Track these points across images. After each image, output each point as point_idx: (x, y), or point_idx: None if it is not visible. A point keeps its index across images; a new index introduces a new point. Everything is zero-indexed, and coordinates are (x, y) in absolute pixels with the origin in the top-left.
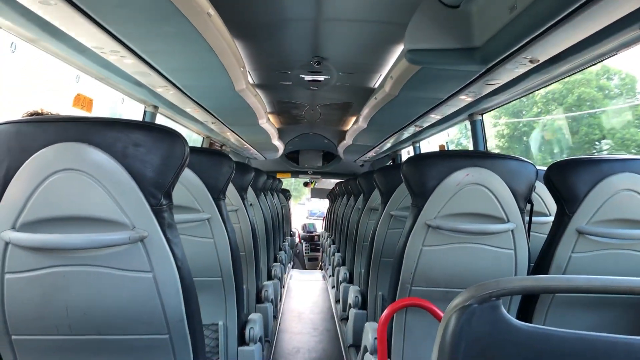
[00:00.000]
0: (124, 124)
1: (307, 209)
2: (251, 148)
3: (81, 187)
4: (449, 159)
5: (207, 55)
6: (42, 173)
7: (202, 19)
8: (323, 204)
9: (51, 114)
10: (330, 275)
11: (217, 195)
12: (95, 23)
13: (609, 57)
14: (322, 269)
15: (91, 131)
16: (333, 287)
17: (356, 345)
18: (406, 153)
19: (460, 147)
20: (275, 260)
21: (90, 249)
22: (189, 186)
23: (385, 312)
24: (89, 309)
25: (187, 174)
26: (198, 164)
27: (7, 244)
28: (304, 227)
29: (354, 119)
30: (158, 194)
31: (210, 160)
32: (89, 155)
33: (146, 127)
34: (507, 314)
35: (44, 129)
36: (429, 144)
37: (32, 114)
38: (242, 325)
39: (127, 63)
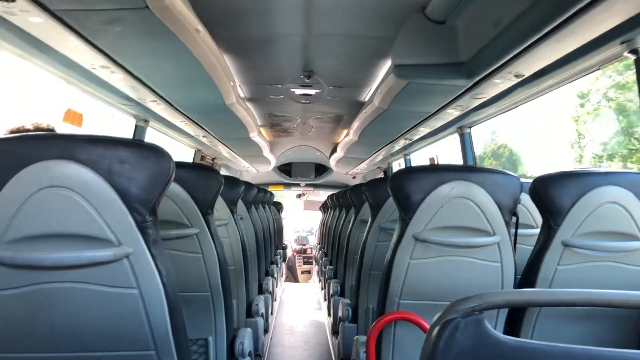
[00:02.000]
0: (109, 141)
1: (292, 226)
2: (243, 161)
3: (66, 204)
4: (435, 172)
5: (196, 71)
6: (27, 190)
7: (191, 36)
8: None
9: (46, 128)
10: (322, 288)
11: (206, 210)
12: (85, 39)
13: (591, 72)
14: (314, 282)
15: (76, 148)
16: (325, 300)
17: (347, 359)
18: (398, 165)
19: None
20: (267, 274)
21: (75, 266)
22: (177, 201)
23: (373, 326)
24: (75, 326)
25: (176, 188)
26: (186, 179)
27: None
28: (297, 240)
29: (345, 131)
30: (143, 210)
31: (199, 175)
32: (74, 173)
33: (131, 144)
34: (490, 328)
35: (29, 146)
36: (420, 156)
37: (14, 131)
38: (232, 340)
39: (117, 78)
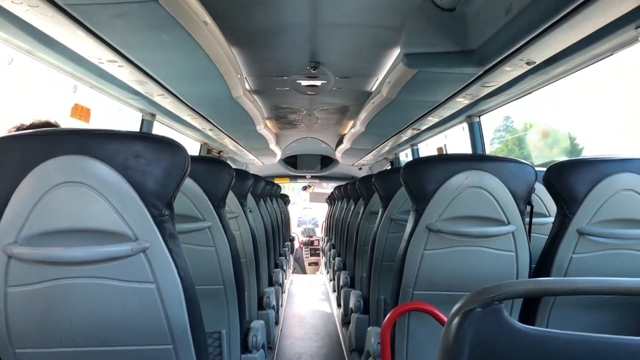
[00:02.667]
0: (125, 136)
1: (296, 216)
2: (249, 154)
3: (83, 200)
4: (448, 162)
5: (204, 63)
6: (43, 186)
7: (198, 28)
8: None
9: (47, 124)
10: (330, 280)
11: (218, 203)
12: (91, 33)
13: (605, 58)
14: (322, 274)
15: (92, 143)
16: (334, 291)
17: (359, 349)
18: (404, 156)
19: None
20: (276, 266)
21: (93, 261)
22: (189, 195)
23: (388, 316)
24: (93, 321)
25: (188, 182)
26: (198, 173)
27: (9, 257)
28: (304, 231)
29: (351, 122)
30: (160, 204)
31: (210, 168)
32: (90, 168)
33: (147, 138)
34: (509, 317)
35: (44, 142)
36: (427, 146)
37: (19, 128)
38: (245, 332)
39: (124, 72)
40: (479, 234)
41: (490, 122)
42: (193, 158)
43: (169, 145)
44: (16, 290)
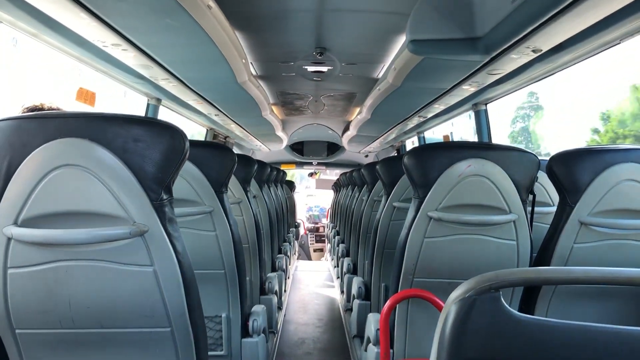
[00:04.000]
0: (124, 120)
1: (304, 204)
2: (255, 139)
3: (82, 183)
4: (451, 150)
5: (208, 48)
6: (43, 169)
7: (202, 12)
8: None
9: (52, 108)
10: (335, 266)
11: (219, 188)
12: (96, 17)
13: (613, 46)
14: (327, 260)
15: (91, 127)
16: (338, 277)
17: (360, 335)
18: (411, 143)
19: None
20: (280, 252)
21: (91, 243)
22: (191, 179)
23: (388, 303)
24: (92, 303)
25: (189, 167)
26: (200, 157)
27: (9, 239)
28: (309, 218)
29: (357, 109)
30: (158, 188)
31: (212, 153)
32: (89, 151)
33: (146, 122)
34: (507, 305)
35: (44, 125)
36: (434, 134)
37: (31, 109)
38: (246, 317)
39: (129, 56)
40: (480, 222)
41: (513, 100)
42: (195, 143)
43: (168, 130)
44: (16, 272)
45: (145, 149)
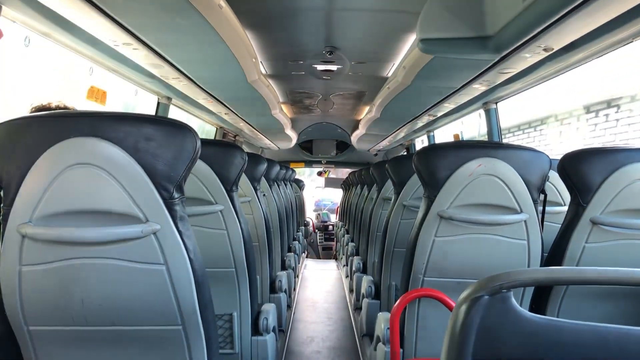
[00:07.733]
0: (136, 119)
1: (313, 199)
2: (264, 138)
3: (95, 181)
4: (462, 149)
5: (219, 47)
6: (56, 168)
7: (213, 11)
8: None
9: (60, 107)
10: (344, 265)
11: (230, 186)
12: (107, 16)
13: (625, 44)
14: (336, 259)
15: (103, 126)
16: (347, 276)
17: (370, 334)
18: (420, 142)
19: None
20: (289, 250)
21: (104, 242)
22: (201, 178)
23: (398, 302)
24: (104, 301)
25: (200, 165)
26: (211, 156)
27: (23, 237)
28: (318, 216)
29: (367, 108)
30: (170, 187)
31: (223, 152)
32: (102, 150)
33: (157, 121)
34: (517, 305)
35: (57, 124)
36: (443, 133)
37: (39, 108)
38: (256, 315)
39: (140, 55)
40: (491, 221)
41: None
42: (206, 142)
43: (180, 129)
44: (30, 269)
45: (157, 147)
